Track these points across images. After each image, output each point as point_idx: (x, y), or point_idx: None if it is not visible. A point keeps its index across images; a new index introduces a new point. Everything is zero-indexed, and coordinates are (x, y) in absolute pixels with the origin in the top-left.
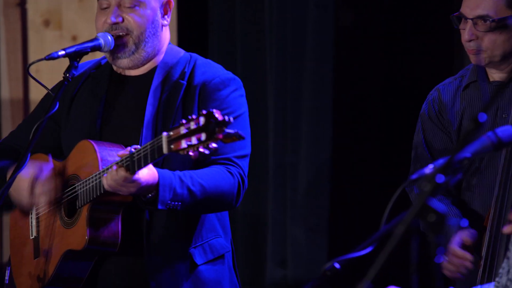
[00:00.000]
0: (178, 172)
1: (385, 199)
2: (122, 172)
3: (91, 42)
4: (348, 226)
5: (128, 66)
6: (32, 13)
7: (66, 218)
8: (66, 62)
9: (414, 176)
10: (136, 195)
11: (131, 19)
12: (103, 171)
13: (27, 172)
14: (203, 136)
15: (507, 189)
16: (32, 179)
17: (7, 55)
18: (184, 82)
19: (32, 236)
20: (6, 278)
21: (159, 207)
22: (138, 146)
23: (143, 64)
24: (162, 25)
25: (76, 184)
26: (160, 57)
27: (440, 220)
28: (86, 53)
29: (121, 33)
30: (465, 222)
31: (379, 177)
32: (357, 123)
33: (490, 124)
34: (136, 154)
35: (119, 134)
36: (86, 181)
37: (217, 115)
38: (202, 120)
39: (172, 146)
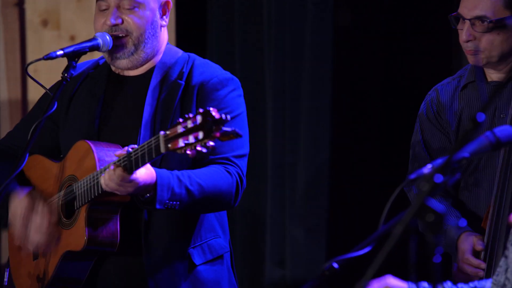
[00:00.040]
0: (176, 172)
1: (384, 199)
2: (120, 172)
3: (89, 42)
4: (346, 226)
5: (127, 67)
6: (30, 13)
7: (64, 219)
8: (64, 62)
9: (413, 176)
10: (134, 195)
11: (131, 21)
12: (101, 171)
13: (25, 203)
14: (200, 135)
15: (505, 189)
16: (27, 213)
17: (5, 55)
18: (182, 82)
19: None
20: (5, 279)
21: (157, 206)
22: (136, 146)
23: (142, 65)
24: (161, 26)
25: (74, 185)
26: (159, 57)
27: (438, 220)
28: (85, 53)
29: (120, 35)
30: (463, 222)
31: (378, 177)
32: (356, 123)
33: (488, 124)
34: (133, 153)
35: (117, 134)
36: (83, 181)
37: (214, 113)
38: (199, 118)
39: (169, 145)
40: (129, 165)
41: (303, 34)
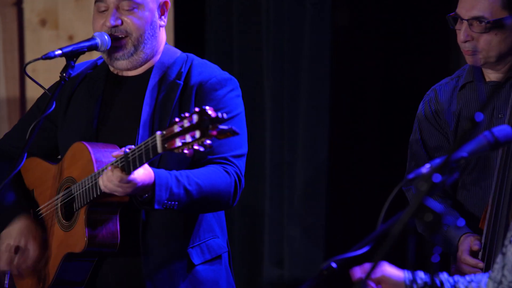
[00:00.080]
0: (174, 172)
1: (382, 198)
2: (118, 173)
3: (87, 42)
4: (345, 226)
5: (126, 68)
6: (29, 13)
7: (64, 221)
8: (62, 61)
9: (411, 176)
10: (133, 195)
11: (130, 22)
12: (99, 173)
13: (17, 234)
14: (197, 134)
15: (504, 189)
16: (16, 245)
17: (4, 54)
18: (181, 82)
19: None
20: (6, 282)
21: (156, 207)
22: (133, 146)
23: (141, 65)
24: (160, 26)
25: (72, 187)
26: (157, 57)
27: (436, 220)
28: (83, 52)
29: (120, 36)
30: (461, 222)
31: (376, 177)
32: (355, 122)
33: (486, 124)
34: (130, 154)
35: (115, 134)
36: (82, 183)
37: (210, 112)
38: (195, 117)
39: (166, 145)
40: (127, 165)
41: (302, 34)
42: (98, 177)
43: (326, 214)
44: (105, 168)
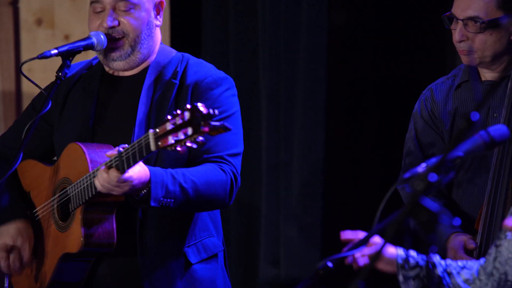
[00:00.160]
0: (170, 170)
1: (378, 198)
2: (113, 173)
3: (83, 41)
4: (341, 226)
5: (123, 68)
6: (25, 12)
7: (60, 222)
8: (58, 61)
9: (407, 175)
10: (129, 194)
11: (127, 23)
12: (94, 173)
13: (14, 234)
14: (189, 131)
15: (499, 188)
16: (12, 245)
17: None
18: (177, 82)
19: None
20: (6, 285)
21: (152, 204)
22: (127, 145)
23: (137, 66)
24: (155, 26)
25: (68, 187)
26: (153, 57)
27: (432, 219)
28: (79, 52)
29: (117, 36)
30: (457, 221)
31: (372, 177)
32: (351, 123)
33: (481, 124)
34: (124, 153)
35: (111, 134)
36: (77, 183)
37: (202, 108)
38: (187, 114)
39: (159, 143)
40: (121, 164)
41: (297, 34)
42: (93, 177)
43: (322, 214)
44: (99, 168)
